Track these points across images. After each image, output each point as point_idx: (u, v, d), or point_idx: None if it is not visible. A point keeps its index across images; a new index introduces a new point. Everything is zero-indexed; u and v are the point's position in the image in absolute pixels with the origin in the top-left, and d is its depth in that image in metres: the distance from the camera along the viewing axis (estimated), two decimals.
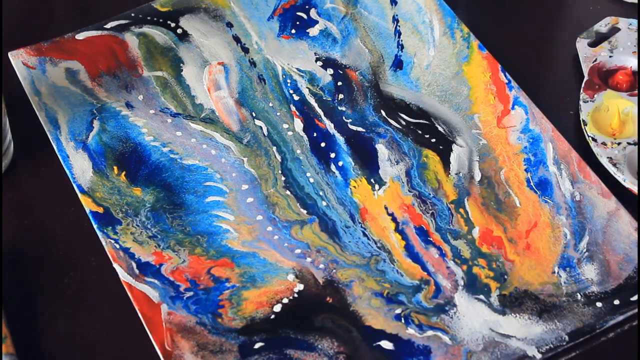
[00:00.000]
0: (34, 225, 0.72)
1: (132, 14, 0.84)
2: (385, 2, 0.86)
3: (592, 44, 0.83)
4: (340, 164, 0.75)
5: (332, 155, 0.76)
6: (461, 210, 0.73)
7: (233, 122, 0.78)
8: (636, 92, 0.79)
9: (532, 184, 0.74)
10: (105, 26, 0.83)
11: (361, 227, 0.72)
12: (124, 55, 0.81)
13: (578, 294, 0.69)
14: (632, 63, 0.81)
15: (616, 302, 0.68)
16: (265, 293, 0.68)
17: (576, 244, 0.71)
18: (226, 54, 0.82)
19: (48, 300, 0.68)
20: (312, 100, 0.79)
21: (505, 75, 0.80)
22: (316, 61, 0.82)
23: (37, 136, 0.76)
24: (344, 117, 0.78)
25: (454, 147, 0.77)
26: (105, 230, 0.71)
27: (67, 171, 0.74)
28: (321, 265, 0.70)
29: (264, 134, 0.77)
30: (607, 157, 0.75)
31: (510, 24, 0.87)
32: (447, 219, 0.72)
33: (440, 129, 0.78)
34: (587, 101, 0.78)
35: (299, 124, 0.78)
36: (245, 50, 0.83)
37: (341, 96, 0.80)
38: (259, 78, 0.81)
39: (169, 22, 0.84)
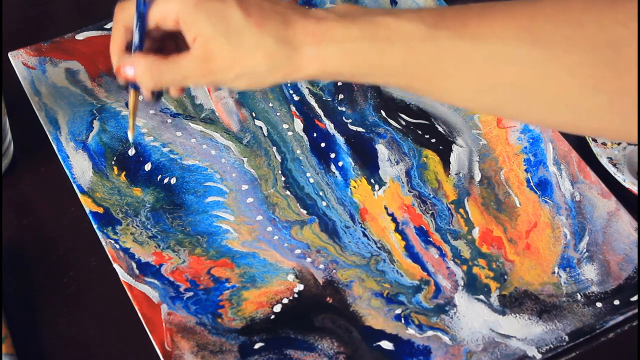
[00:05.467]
0: (34, 225, 0.72)
1: None
2: (385, 2, 0.86)
3: None
4: (340, 164, 0.75)
5: (332, 155, 0.76)
6: (461, 210, 0.73)
7: (233, 122, 0.78)
8: None
9: (532, 184, 0.74)
10: (105, 26, 0.83)
11: (361, 227, 0.72)
12: None
13: (578, 294, 0.69)
14: None
15: (616, 302, 0.68)
16: (265, 293, 0.68)
17: (576, 244, 0.71)
18: None
19: (48, 300, 0.68)
20: (312, 101, 0.79)
21: None
22: None
23: (37, 136, 0.76)
24: (344, 117, 0.78)
25: (454, 147, 0.77)
26: (105, 231, 0.71)
27: (67, 171, 0.74)
28: (321, 266, 0.70)
29: (264, 134, 0.77)
30: (607, 157, 0.75)
31: None
32: (447, 219, 0.72)
33: (440, 129, 0.78)
34: None
35: (299, 124, 0.78)
36: None
37: (341, 96, 0.80)
38: None
39: None
